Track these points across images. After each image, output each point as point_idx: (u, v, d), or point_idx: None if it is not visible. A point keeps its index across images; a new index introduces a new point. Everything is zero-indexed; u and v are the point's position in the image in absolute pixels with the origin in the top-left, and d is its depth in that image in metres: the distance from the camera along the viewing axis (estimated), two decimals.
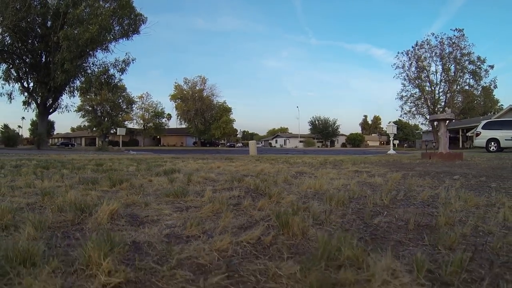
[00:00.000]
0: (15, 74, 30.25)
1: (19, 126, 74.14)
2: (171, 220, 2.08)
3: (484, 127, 20.40)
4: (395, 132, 25.33)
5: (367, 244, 1.67)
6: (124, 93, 65.35)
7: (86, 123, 68.15)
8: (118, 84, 36.37)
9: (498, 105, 58.10)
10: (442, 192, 3.15)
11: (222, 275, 1.21)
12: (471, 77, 37.36)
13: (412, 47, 39.10)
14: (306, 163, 7.94)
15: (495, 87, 38.40)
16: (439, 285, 1.22)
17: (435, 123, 28.00)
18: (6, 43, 28.21)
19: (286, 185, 3.90)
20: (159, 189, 3.44)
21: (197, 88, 73.53)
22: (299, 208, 2.22)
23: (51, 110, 32.69)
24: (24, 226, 1.77)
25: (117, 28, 31.28)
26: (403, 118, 43.68)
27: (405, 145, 72.78)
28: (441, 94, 39.20)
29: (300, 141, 79.92)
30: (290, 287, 1.13)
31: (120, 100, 66.24)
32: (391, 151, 21.83)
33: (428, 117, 37.62)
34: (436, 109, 37.29)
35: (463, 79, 37.89)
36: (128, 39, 32.20)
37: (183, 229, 1.85)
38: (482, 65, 36.64)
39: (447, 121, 12.61)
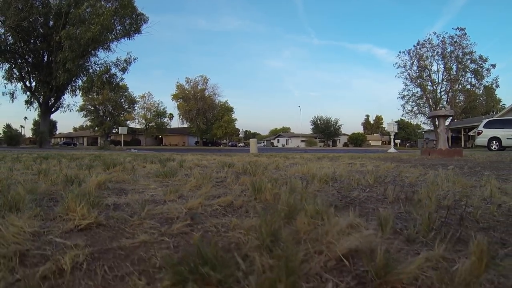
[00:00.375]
0: (17, 74, 30.49)
1: (22, 126, 74.84)
2: (155, 192, 2.14)
3: (485, 126, 20.25)
4: (396, 131, 25.33)
5: (338, 209, 1.70)
6: (126, 93, 65.65)
7: (88, 123, 68.40)
8: (120, 83, 36.55)
9: (500, 104, 57.94)
10: (431, 176, 3.17)
11: (184, 223, 1.28)
12: (473, 76, 37.08)
13: (414, 46, 38.87)
14: (304, 158, 7.98)
15: (497, 86, 38.07)
16: (403, 240, 1.26)
17: (436, 121, 27.93)
18: (9, 42, 28.43)
19: (276, 171, 3.95)
20: (151, 172, 3.52)
21: (199, 87, 73.49)
22: (277, 181, 2.26)
23: (53, 109, 32.88)
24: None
25: (119, 27, 31.49)
26: (405, 117, 43.52)
27: (407, 144, 72.67)
28: (443, 93, 38.96)
29: (302, 141, 79.99)
30: (246, 235, 1.18)
31: (122, 100, 66.48)
32: (392, 149, 21.84)
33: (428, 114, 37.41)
34: (438, 108, 37.11)
35: (465, 78, 37.59)
36: (129, 39, 32.45)
37: (162, 196, 1.92)
38: (484, 64, 36.39)
39: (447, 118, 12.63)
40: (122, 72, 33.26)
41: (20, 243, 1.01)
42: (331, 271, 0.97)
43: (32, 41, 30.22)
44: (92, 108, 64.88)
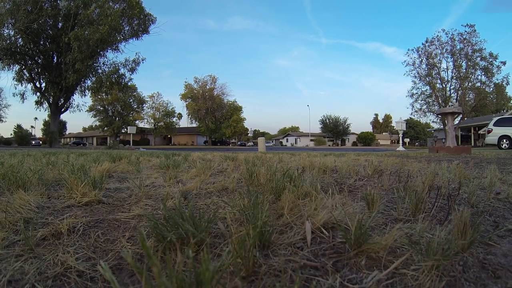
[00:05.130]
0: (27, 75, 30.90)
1: (32, 127, 75.93)
2: (156, 180, 2.21)
3: (495, 124, 19.84)
4: (404, 129, 25.17)
5: (330, 193, 1.73)
6: (135, 93, 66.16)
7: (98, 123, 69.01)
8: (129, 83, 36.80)
9: (511, 102, 56.96)
10: (432, 168, 3.16)
11: (177, 200, 1.34)
12: (482, 73, 36.60)
13: (423, 44, 38.52)
14: (311, 155, 8.00)
15: (508, 83, 37.57)
16: (390, 219, 1.29)
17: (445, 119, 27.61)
18: (19, 44, 28.79)
19: (278, 163, 3.97)
20: (155, 164, 3.58)
21: (208, 87, 73.54)
22: (275, 170, 2.30)
23: (63, 110, 33.25)
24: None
25: (127, 28, 31.77)
26: (414, 116, 43.11)
27: (417, 143, 71.91)
28: (452, 91, 38.53)
29: (311, 140, 79.91)
30: (231, 211, 1.23)
31: (131, 100, 67.01)
32: (401, 148, 21.72)
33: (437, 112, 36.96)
34: (447, 107, 36.57)
35: (474, 76, 37.12)
36: (137, 39, 32.74)
37: (163, 182, 1.99)
38: (494, 61, 35.90)
39: (455, 115, 12.49)
40: (130, 72, 33.61)
41: (25, 213, 1.10)
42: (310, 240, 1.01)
43: (41, 42, 30.55)
44: (101, 108, 65.53)
